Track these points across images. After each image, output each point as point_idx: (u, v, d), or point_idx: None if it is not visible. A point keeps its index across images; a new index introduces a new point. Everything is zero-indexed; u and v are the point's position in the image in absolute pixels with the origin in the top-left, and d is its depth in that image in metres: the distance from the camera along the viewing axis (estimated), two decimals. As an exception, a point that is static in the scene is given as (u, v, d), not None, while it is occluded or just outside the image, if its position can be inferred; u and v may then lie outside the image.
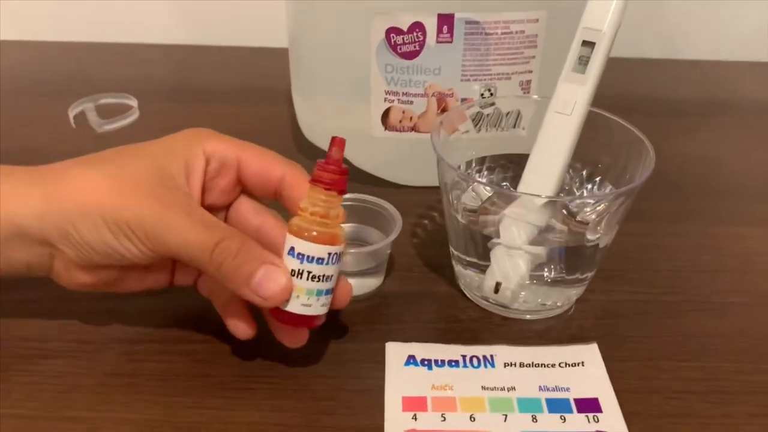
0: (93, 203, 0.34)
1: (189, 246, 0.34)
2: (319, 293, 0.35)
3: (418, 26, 0.47)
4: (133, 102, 0.65)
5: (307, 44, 0.53)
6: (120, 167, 0.36)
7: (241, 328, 0.38)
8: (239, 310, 0.38)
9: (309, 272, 0.35)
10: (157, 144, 0.38)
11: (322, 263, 0.35)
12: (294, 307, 0.35)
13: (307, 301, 0.35)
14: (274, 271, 0.34)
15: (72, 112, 0.63)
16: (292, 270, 0.35)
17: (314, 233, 0.35)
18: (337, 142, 0.35)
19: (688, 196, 0.55)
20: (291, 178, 0.38)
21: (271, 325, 0.39)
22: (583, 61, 0.41)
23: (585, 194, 0.45)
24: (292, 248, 0.35)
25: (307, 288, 0.35)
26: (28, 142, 0.59)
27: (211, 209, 0.39)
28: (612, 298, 0.45)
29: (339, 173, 0.35)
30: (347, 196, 0.45)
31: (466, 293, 0.45)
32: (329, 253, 0.35)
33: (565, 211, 0.42)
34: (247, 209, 0.40)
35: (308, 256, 0.35)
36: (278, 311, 0.36)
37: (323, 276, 0.35)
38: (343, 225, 0.45)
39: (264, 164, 0.38)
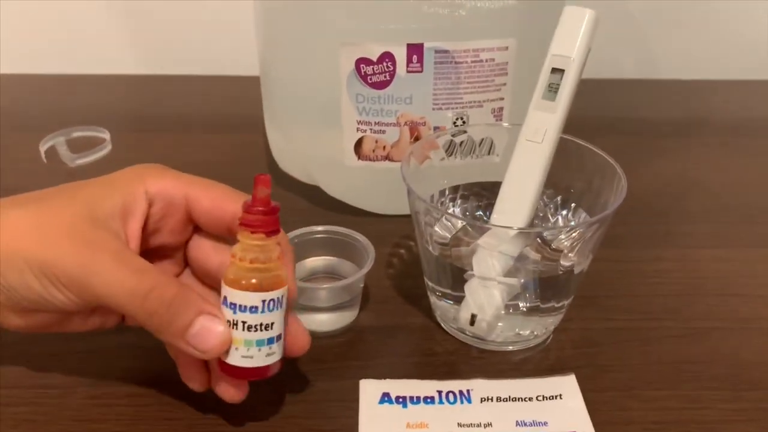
0: (18, 248, 0.33)
1: (117, 294, 0.32)
2: (260, 343, 0.33)
3: (387, 56, 0.46)
4: (106, 135, 0.64)
5: (278, 74, 0.52)
6: (50, 208, 0.34)
7: (195, 381, 0.37)
8: (193, 359, 0.36)
9: (244, 322, 0.33)
10: (96, 183, 0.36)
11: (256, 312, 0.32)
12: (235, 359, 0.33)
13: (247, 353, 0.33)
14: (211, 321, 0.33)
15: (43, 147, 0.62)
16: (228, 321, 0.33)
17: (243, 282, 0.33)
18: (261, 181, 0.33)
19: (666, 219, 0.55)
20: None
21: (212, 377, 0.37)
22: (552, 89, 0.41)
23: (560, 222, 0.45)
24: (225, 298, 0.33)
25: (244, 339, 0.33)
26: (-1, 178, 0.59)
27: (165, 250, 0.38)
28: (590, 327, 0.44)
29: (264, 213, 0.33)
30: (318, 228, 0.45)
31: (442, 325, 0.44)
32: (263, 301, 0.32)
33: (539, 239, 0.42)
34: (205, 248, 0.37)
35: (241, 306, 0.32)
36: (223, 365, 0.34)
37: (261, 325, 0.33)
38: (314, 258, 0.45)
39: (215, 201, 0.36)
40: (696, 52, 0.78)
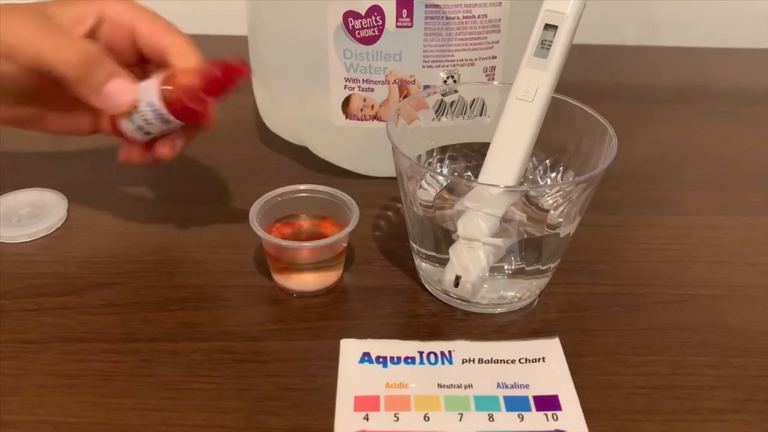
0: None
1: (55, 58, 0.37)
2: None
3: (376, 10, 0.45)
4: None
5: (265, 30, 0.51)
6: (11, 13, 0.39)
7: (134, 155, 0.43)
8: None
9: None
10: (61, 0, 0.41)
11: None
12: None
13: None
14: (123, 82, 0.39)
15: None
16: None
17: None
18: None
19: (661, 186, 0.54)
20: (177, 49, 0.41)
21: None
22: (545, 45, 0.39)
23: (548, 183, 0.44)
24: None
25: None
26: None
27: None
28: (577, 291, 0.43)
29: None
30: (302, 187, 0.44)
31: (427, 287, 0.43)
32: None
33: (525, 199, 0.41)
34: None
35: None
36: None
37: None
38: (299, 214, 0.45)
39: (153, 31, 0.41)
40: (697, 19, 0.77)
